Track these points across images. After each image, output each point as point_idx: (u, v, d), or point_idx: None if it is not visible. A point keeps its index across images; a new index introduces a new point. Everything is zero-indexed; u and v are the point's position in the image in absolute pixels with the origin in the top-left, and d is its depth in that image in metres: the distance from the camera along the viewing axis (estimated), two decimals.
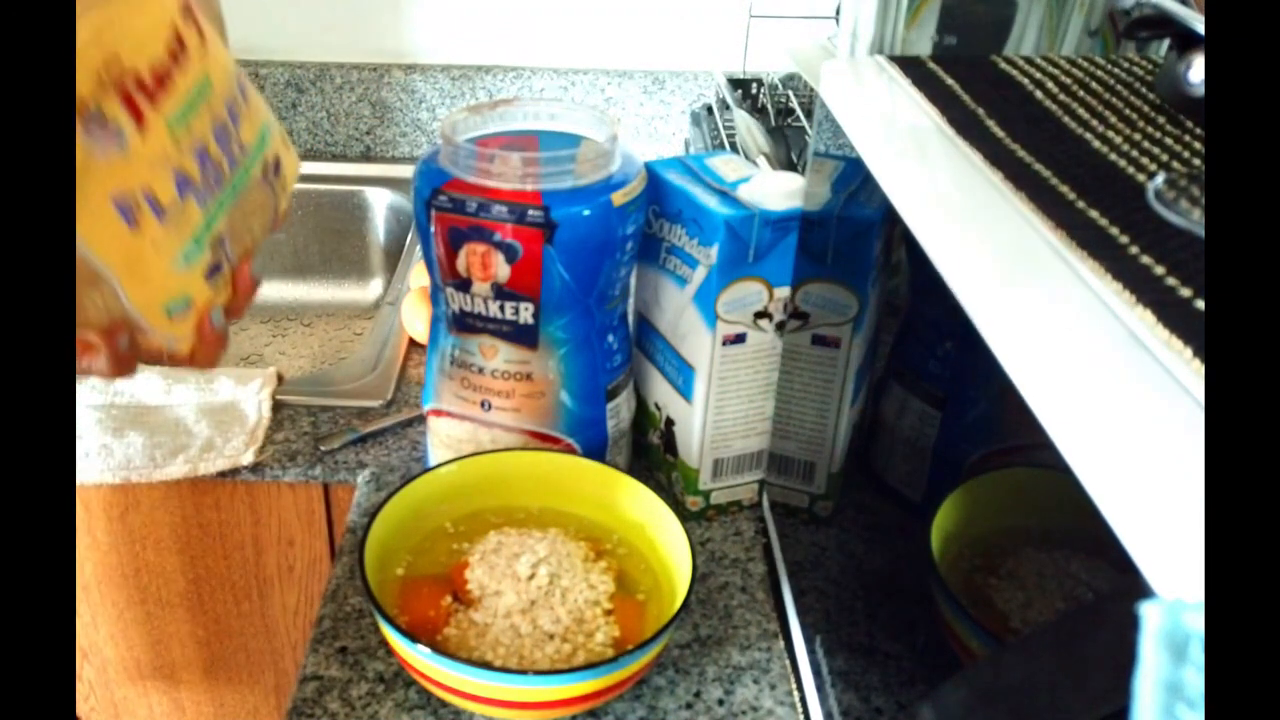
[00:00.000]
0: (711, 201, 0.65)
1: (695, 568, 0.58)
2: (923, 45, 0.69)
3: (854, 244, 0.57)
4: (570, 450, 0.69)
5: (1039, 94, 0.47)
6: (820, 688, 0.57)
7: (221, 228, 0.49)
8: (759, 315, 0.67)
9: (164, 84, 0.43)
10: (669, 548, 0.62)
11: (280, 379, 0.88)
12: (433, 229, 0.63)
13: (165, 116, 0.44)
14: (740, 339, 0.67)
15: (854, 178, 0.53)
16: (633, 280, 0.72)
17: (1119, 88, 0.48)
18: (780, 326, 0.67)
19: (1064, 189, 0.37)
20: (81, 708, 1.03)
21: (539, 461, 0.67)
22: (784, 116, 1.02)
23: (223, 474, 0.80)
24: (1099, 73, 0.50)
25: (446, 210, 0.62)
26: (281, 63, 1.29)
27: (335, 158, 1.31)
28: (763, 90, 1.07)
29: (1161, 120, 0.44)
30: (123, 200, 0.44)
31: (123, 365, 0.50)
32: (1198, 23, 0.41)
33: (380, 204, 1.24)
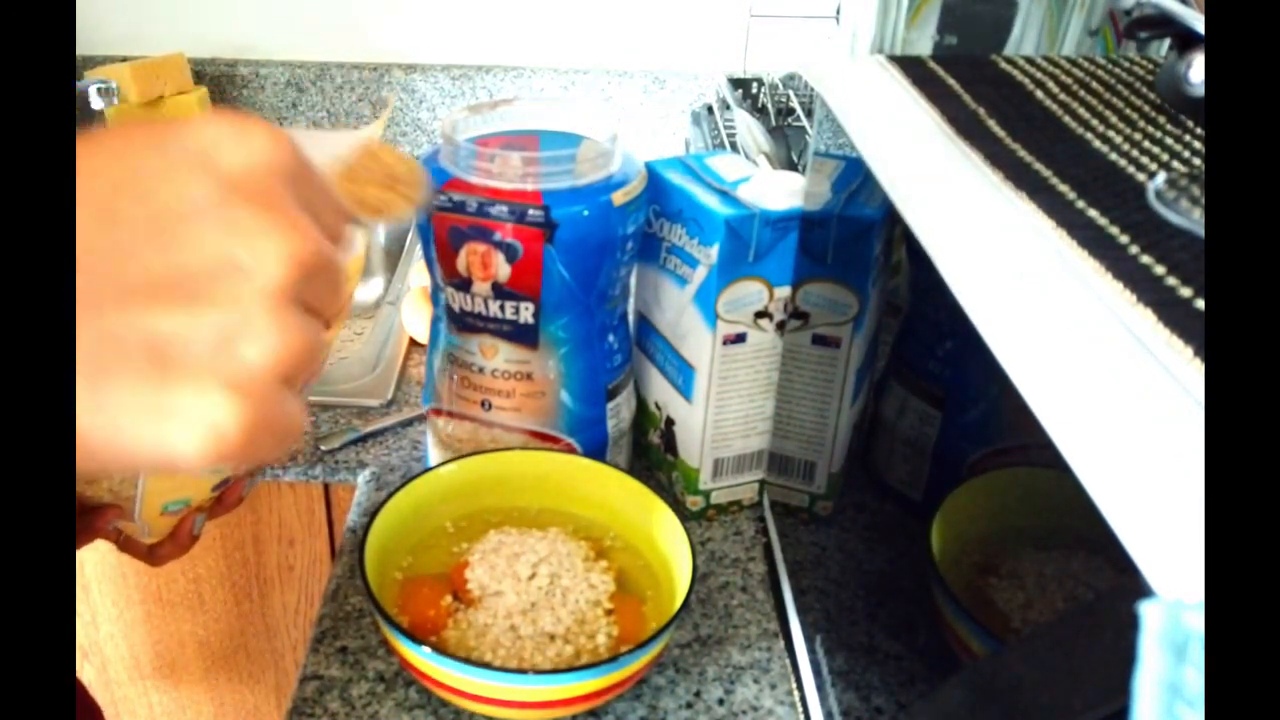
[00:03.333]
0: (712, 201, 0.65)
1: (695, 567, 0.58)
2: (923, 45, 0.70)
3: (854, 244, 0.57)
4: (570, 450, 0.69)
5: (1039, 94, 0.47)
6: (820, 687, 0.57)
7: None
8: (759, 315, 0.67)
9: None
10: (669, 547, 0.62)
11: None
12: (433, 229, 0.63)
13: None
14: (740, 339, 0.67)
15: (854, 178, 0.53)
16: (633, 280, 0.72)
17: (1119, 88, 0.48)
18: (780, 326, 0.67)
19: (1064, 189, 0.37)
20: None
21: (539, 461, 0.67)
22: (784, 116, 1.01)
23: None
24: (1099, 73, 0.50)
25: (446, 210, 0.62)
26: (281, 62, 1.29)
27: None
28: (763, 90, 1.07)
29: (1161, 120, 0.44)
30: None
31: (84, 538, 0.50)
32: (1198, 23, 0.41)
33: None
